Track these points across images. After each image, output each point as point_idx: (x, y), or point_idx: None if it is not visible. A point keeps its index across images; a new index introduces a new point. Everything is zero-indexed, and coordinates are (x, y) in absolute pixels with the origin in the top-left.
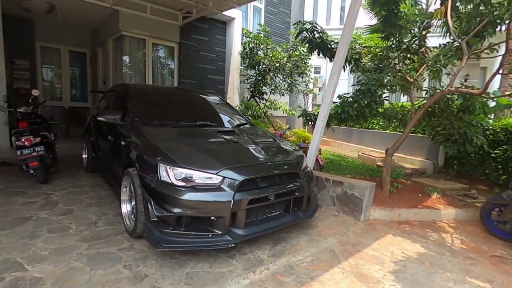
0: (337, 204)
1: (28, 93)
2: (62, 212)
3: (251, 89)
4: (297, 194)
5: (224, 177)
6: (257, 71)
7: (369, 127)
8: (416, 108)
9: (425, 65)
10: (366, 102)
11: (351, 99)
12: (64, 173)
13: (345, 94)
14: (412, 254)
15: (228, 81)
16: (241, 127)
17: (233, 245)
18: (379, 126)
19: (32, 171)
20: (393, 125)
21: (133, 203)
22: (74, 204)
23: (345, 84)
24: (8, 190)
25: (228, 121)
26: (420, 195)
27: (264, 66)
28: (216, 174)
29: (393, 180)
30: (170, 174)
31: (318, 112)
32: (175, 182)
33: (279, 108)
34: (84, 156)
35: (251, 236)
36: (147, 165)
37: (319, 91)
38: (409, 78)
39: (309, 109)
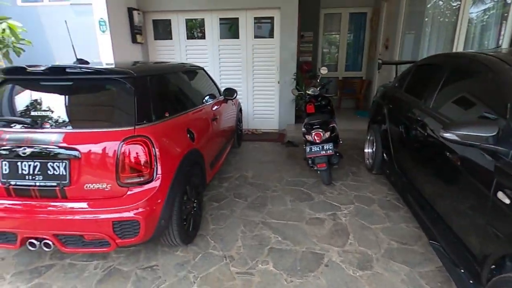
0: None
1: (311, 69)
2: (357, 262)
3: None
4: None
5: None
6: None
7: None
8: None
9: None
10: None
11: None
12: (344, 169)
13: None
14: None
15: None
16: None
17: None
18: None
19: (315, 168)
20: None
21: None
22: (368, 242)
23: None
24: (294, 187)
25: None
26: None
27: None
28: None
29: None
30: None
31: None
32: None
33: None
34: (367, 150)
35: None
36: None
37: None
38: None
39: None
